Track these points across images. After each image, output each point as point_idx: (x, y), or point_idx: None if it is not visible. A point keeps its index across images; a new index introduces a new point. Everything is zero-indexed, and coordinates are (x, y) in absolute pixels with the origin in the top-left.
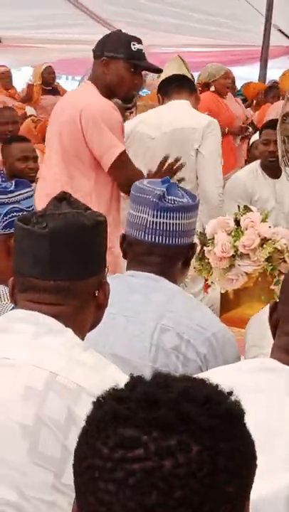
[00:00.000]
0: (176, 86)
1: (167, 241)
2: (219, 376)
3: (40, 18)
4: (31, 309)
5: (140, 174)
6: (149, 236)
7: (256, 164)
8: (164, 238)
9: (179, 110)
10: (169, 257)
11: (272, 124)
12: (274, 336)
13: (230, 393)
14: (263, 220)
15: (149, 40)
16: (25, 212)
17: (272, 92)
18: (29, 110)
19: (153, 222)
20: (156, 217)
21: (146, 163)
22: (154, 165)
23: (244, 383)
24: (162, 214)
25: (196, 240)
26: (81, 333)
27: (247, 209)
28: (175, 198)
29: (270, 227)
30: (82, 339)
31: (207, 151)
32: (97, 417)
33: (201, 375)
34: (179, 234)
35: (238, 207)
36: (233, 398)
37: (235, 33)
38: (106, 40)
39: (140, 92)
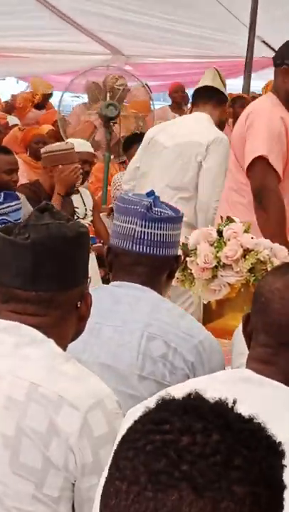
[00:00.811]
0: (204, 97)
1: (154, 251)
2: (197, 386)
3: (25, 28)
4: (13, 320)
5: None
6: (137, 246)
7: None
8: (151, 248)
9: (194, 122)
10: (155, 267)
11: None
12: (249, 347)
13: None
14: (246, 231)
15: (134, 51)
16: None
17: (239, 101)
18: (12, 120)
19: (141, 232)
20: (144, 227)
21: (160, 171)
22: (167, 174)
23: (221, 394)
24: (150, 224)
25: (178, 250)
26: (63, 344)
27: (230, 220)
28: (161, 210)
29: (252, 238)
30: (64, 350)
31: (208, 166)
32: (145, 411)
33: (179, 386)
34: (166, 245)
35: (221, 218)
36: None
37: (220, 44)
38: (287, 47)
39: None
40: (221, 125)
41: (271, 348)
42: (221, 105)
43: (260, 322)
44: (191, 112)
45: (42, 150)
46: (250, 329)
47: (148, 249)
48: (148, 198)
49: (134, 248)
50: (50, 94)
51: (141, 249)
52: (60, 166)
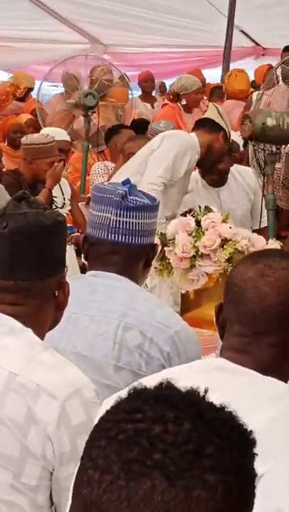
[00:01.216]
0: (199, 124)
1: (130, 240)
2: (172, 376)
3: (3, 18)
4: None
5: None
6: (112, 235)
7: (196, 175)
8: (126, 237)
9: None
10: (131, 256)
11: None
12: (222, 337)
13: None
14: (224, 221)
15: (113, 40)
16: None
17: (216, 93)
18: None
19: (116, 221)
20: (120, 216)
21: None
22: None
23: (196, 383)
24: (125, 213)
25: (156, 240)
26: (40, 333)
27: (208, 209)
28: (136, 198)
29: (230, 227)
30: (42, 339)
31: (155, 153)
32: (117, 401)
33: (154, 376)
34: (141, 233)
35: (199, 207)
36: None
37: (198, 34)
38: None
39: None
40: (210, 150)
41: (246, 337)
42: (213, 132)
43: (233, 312)
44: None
45: (22, 141)
46: (222, 319)
47: (123, 238)
48: (123, 187)
49: (109, 237)
50: (32, 88)
51: (116, 238)
52: (46, 160)
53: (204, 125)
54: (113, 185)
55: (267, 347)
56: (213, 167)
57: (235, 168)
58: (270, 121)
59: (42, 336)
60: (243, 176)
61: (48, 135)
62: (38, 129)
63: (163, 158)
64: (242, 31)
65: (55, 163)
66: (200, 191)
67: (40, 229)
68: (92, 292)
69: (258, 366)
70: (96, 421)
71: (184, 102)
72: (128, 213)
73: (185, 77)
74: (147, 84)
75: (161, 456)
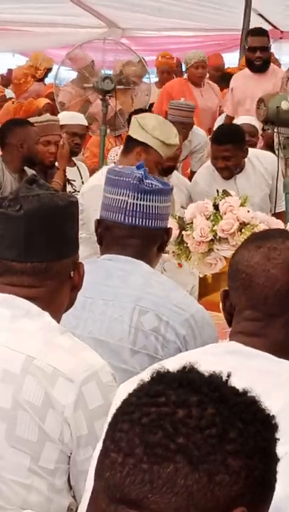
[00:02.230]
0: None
1: (146, 223)
2: (188, 360)
3: (21, 1)
4: (8, 293)
5: None
6: (129, 218)
7: (210, 163)
8: (143, 220)
9: None
10: (147, 240)
11: (218, 139)
12: (228, 322)
13: None
14: (242, 205)
15: (131, 24)
16: None
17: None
18: (8, 93)
19: (133, 204)
20: (137, 199)
21: None
22: None
23: (213, 367)
24: (142, 196)
25: (174, 224)
26: (57, 315)
27: (226, 193)
28: (152, 182)
29: (248, 211)
30: (58, 321)
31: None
32: (140, 384)
33: (170, 360)
34: (158, 216)
35: (217, 191)
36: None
37: (216, 17)
38: None
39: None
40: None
41: (259, 321)
42: (131, 152)
43: (244, 299)
44: None
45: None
46: (230, 305)
47: (140, 221)
48: (139, 170)
49: (126, 220)
50: (51, 69)
51: (133, 222)
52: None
53: (128, 149)
54: (128, 169)
55: (281, 328)
56: (169, 172)
57: (253, 154)
58: (285, 105)
59: (58, 318)
60: (260, 161)
61: (50, 116)
62: (55, 114)
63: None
64: (260, 14)
65: (61, 142)
66: (217, 180)
67: (54, 210)
68: (107, 276)
69: (272, 348)
70: (115, 405)
71: (185, 76)
72: (145, 196)
73: (191, 52)
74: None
75: (185, 441)
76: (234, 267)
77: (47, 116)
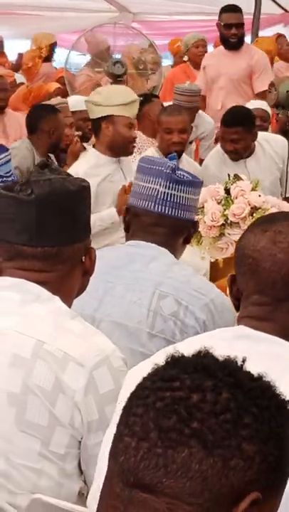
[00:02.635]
0: None
1: (176, 213)
2: (197, 343)
3: None
4: (19, 277)
5: None
6: (160, 207)
7: (220, 147)
8: (173, 210)
9: None
10: (174, 229)
11: (227, 122)
12: (236, 307)
13: None
14: (253, 189)
15: (142, 8)
16: (4, 178)
17: None
18: (18, 78)
19: (164, 193)
20: (168, 189)
21: None
22: None
23: (222, 352)
24: (174, 186)
25: None
26: (68, 300)
27: (237, 177)
28: (184, 173)
29: (260, 195)
30: (70, 306)
31: None
32: (154, 368)
33: (179, 345)
34: (187, 208)
35: (228, 175)
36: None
37: (228, 1)
38: None
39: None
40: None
41: (267, 305)
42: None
43: (251, 283)
44: None
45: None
46: (237, 290)
47: (170, 211)
48: (172, 161)
49: (156, 208)
50: (55, 44)
51: (163, 210)
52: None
53: (97, 132)
54: (161, 158)
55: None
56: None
57: (263, 137)
58: None
59: (70, 303)
60: (271, 145)
61: (60, 100)
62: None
63: None
64: None
65: (75, 139)
66: (227, 163)
67: (66, 194)
68: (130, 262)
69: (281, 332)
70: (125, 389)
71: (186, 58)
72: (177, 186)
73: (187, 36)
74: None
75: (199, 425)
76: (240, 252)
77: (57, 99)
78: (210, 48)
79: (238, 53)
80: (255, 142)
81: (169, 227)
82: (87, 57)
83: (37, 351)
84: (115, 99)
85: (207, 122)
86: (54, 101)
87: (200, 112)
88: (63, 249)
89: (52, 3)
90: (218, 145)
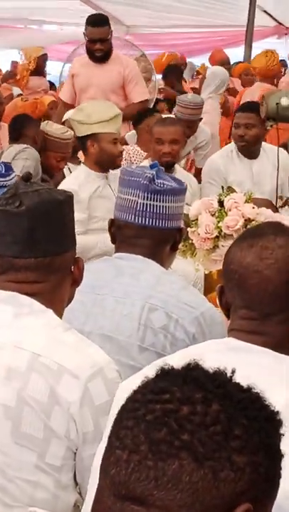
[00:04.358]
0: None
1: (157, 224)
2: (188, 356)
3: (24, 0)
4: (12, 290)
5: None
6: (139, 218)
7: (232, 145)
8: (153, 221)
9: None
10: (158, 239)
11: (243, 107)
12: (227, 317)
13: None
14: (247, 201)
15: (135, 21)
16: None
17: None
18: (16, 90)
19: (143, 204)
20: (147, 200)
21: None
22: None
23: (212, 363)
24: (153, 196)
25: None
26: (59, 310)
27: (230, 190)
28: (164, 182)
29: (253, 207)
30: (61, 316)
31: None
32: (144, 380)
33: (176, 354)
34: (168, 217)
35: (222, 187)
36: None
37: (221, 13)
38: None
39: None
40: None
41: (255, 319)
42: None
43: (238, 298)
44: None
45: (42, 125)
46: (226, 302)
47: (151, 222)
48: (151, 170)
49: (136, 220)
50: (44, 57)
51: (143, 222)
52: (55, 155)
53: (84, 150)
54: (141, 168)
55: (277, 325)
56: (168, 168)
57: (268, 146)
58: (285, 101)
59: (61, 314)
60: (272, 154)
61: (67, 131)
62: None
63: None
64: (264, 11)
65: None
66: (234, 161)
67: (54, 204)
68: (118, 274)
69: (269, 345)
70: (117, 402)
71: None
72: (155, 196)
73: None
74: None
75: (190, 437)
76: (227, 267)
77: (65, 133)
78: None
79: (107, 64)
80: (261, 148)
81: (152, 238)
82: None
83: (32, 364)
84: (97, 117)
85: (205, 132)
86: (67, 134)
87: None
88: (55, 258)
89: (48, 16)
90: (228, 145)
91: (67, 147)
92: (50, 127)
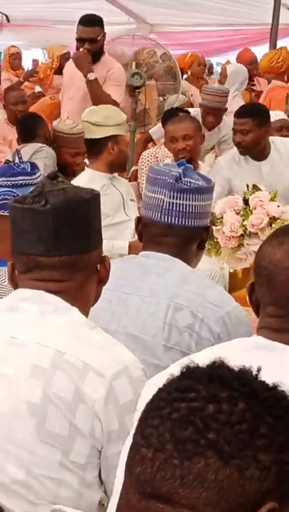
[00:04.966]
0: None
1: (183, 222)
2: (213, 355)
3: (49, 1)
4: (37, 288)
5: None
6: (166, 217)
7: (236, 151)
8: (180, 219)
9: None
10: (184, 238)
11: (238, 113)
12: (257, 314)
13: None
14: (272, 199)
15: (159, 19)
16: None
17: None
18: (38, 89)
19: (169, 203)
20: (173, 199)
21: None
22: None
23: (239, 362)
24: (179, 195)
25: None
26: (85, 309)
27: (256, 188)
28: (191, 180)
29: (278, 206)
30: (86, 315)
31: None
32: (169, 379)
33: (199, 354)
34: (195, 216)
35: (247, 186)
36: None
37: (245, 11)
38: None
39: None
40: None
41: (283, 317)
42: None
43: (267, 295)
44: None
45: (53, 124)
46: (255, 299)
47: (176, 220)
48: (178, 168)
49: (162, 219)
50: (67, 55)
51: (169, 220)
52: (69, 151)
53: (98, 152)
54: (168, 166)
55: None
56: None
57: (281, 141)
58: None
59: (86, 313)
60: (287, 148)
61: (77, 125)
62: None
63: None
64: None
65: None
66: (242, 165)
67: (80, 202)
68: (144, 273)
69: None
70: (143, 401)
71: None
72: (182, 195)
73: None
74: (200, 69)
75: (215, 436)
76: (258, 263)
77: (74, 128)
78: (232, 59)
79: (95, 66)
80: (272, 146)
81: (178, 236)
82: None
83: (56, 362)
84: (115, 119)
85: (228, 125)
86: (77, 129)
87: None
88: (80, 257)
89: (72, 16)
90: (234, 149)
91: (79, 141)
92: (62, 124)
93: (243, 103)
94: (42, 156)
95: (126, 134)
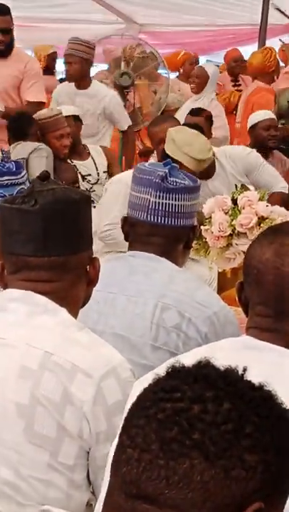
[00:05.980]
0: None
1: (169, 222)
2: (201, 354)
3: (36, 0)
4: (26, 288)
5: None
6: (151, 217)
7: None
8: (165, 219)
9: None
10: (170, 238)
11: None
12: (246, 313)
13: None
14: (261, 199)
15: (148, 19)
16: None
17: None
18: None
19: (155, 202)
20: (159, 198)
21: None
22: None
23: (226, 362)
24: (164, 195)
25: None
26: (74, 310)
27: (244, 188)
28: (177, 180)
29: (267, 205)
30: (76, 316)
31: (101, 203)
32: (155, 378)
33: (190, 353)
34: (181, 215)
35: (236, 186)
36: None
37: (234, 12)
38: None
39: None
40: None
41: (271, 317)
42: None
43: (255, 294)
44: None
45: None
46: (244, 298)
47: (163, 220)
48: (164, 168)
49: (148, 218)
50: (54, 55)
51: (155, 220)
52: (54, 134)
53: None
54: (154, 166)
55: None
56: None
57: (223, 153)
58: None
59: (75, 314)
60: (232, 159)
61: (52, 109)
62: None
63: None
64: (277, 9)
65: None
66: None
67: (70, 203)
68: (131, 273)
69: (285, 342)
70: (131, 401)
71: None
72: (167, 195)
73: None
74: (192, 67)
75: (201, 436)
76: (247, 262)
77: (52, 110)
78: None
79: (7, 60)
80: (215, 160)
81: (164, 236)
82: (96, 68)
83: (45, 362)
84: (191, 149)
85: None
86: (50, 112)
87: None
88: (70, 258)
89: (60, 16)
90: None
91: (60, 122)
92: (39, 114)
93: (221, 106)
94: (42, 155)
95: (197, 172)
